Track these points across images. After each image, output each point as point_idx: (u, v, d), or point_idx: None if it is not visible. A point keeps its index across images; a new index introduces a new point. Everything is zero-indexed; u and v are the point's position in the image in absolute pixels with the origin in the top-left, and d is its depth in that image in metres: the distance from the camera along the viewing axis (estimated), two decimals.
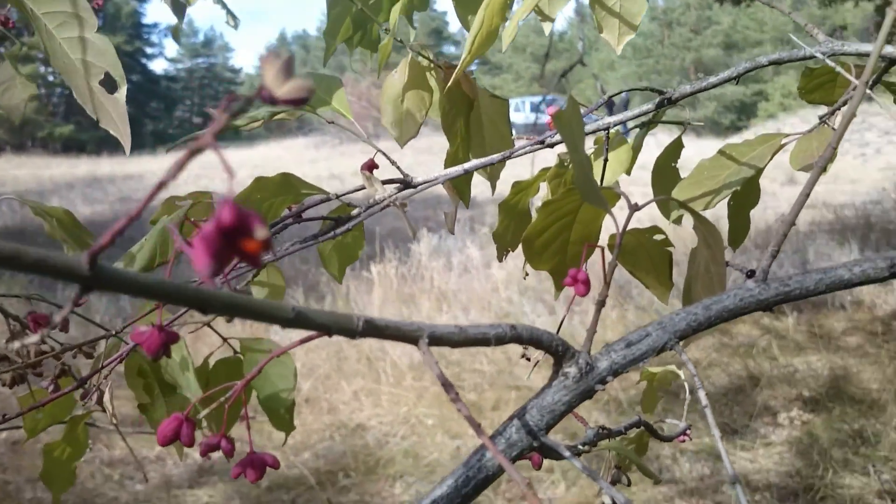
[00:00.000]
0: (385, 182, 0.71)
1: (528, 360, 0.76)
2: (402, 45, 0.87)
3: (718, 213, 0.69)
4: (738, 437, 3.31)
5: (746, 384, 3.87)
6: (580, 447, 0.51)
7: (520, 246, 0.80)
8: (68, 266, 0.28)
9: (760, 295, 0.46)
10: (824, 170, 0.47)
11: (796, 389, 3.78)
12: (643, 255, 0.60)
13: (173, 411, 0.80)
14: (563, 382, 0.45)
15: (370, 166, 0.73)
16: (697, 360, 4.12)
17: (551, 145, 0.72)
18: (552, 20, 0.79)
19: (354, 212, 0.71)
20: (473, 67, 1.05)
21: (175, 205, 0.70)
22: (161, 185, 0.26)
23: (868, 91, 0.54)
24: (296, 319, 0.35)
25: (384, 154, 0.72)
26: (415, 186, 0.74)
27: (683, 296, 0.58)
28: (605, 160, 0.73)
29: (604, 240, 0.57)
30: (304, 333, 0.38)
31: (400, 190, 0.72)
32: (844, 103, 0.74)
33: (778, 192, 9.71)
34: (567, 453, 0.42)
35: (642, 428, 0.79)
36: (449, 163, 0.89)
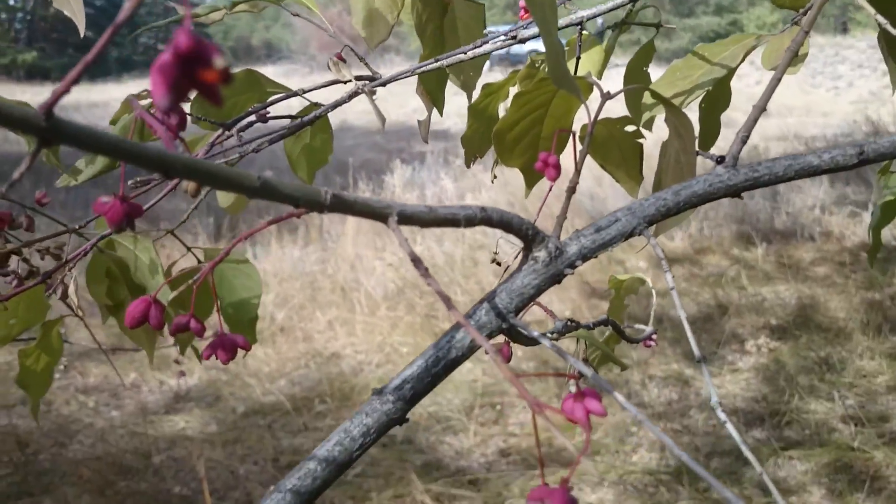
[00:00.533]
0: (356, 79, 0.70)
1: (500, 264, 0.76)
2: None
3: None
4: (706, 363, 3.38)
5: (715, 313, 3.94)
6: (549, 335, 0.51)
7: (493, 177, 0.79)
8: (25, 117, 0.27)
9: (730, 180, 0.46)
10: (796, 54, 0.47)
11: (764, 318, 3.85)
12: (614, 147, 0.59)
13: None
14: (533, 266, 0.46)
15: (339, 57, 0.71)
16: (666, 290, 4.17)
17: (524, 40, 0.71)
18: None
19: (321, 110, 0.70)
20: None
21: (135, 104, 0.68)
22: (124, 22, 0.25)
23: None
24: (262, 189, 0.34)
25: (351, 49, 0.71)
26: (384, 84, 0.73)
27: (653, 189, 0.58)
28: (578, 58, 0.72)
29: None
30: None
31: (374, 91, 0.71)
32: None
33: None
34: (535, 333, 0.43)
35: (610, 331, 0.81)
36: (424, 74, 0.88)
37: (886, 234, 4.80)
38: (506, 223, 0.44)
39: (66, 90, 0.27)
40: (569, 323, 0.55)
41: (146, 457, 2.72)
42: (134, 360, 3.41)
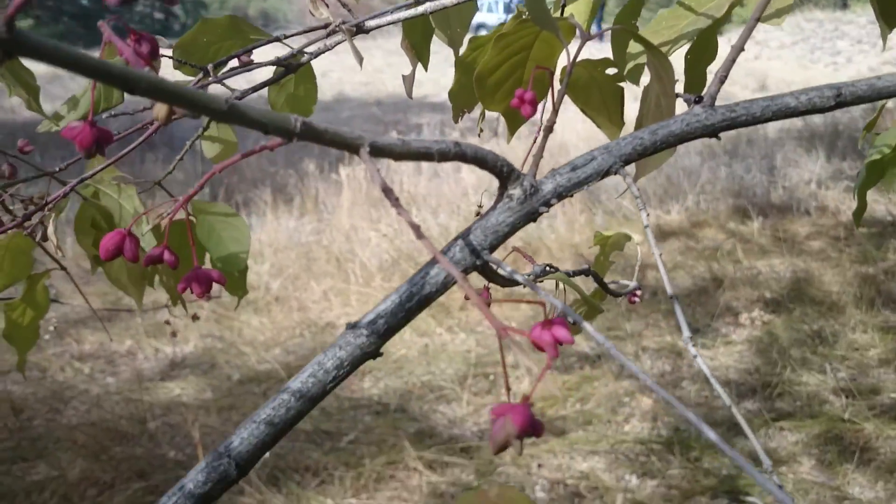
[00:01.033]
0: (339, 25, 0.69)
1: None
2: None
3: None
4: (700, 335, 3.40)
5: (710, 286, 3.95)
6: (526, 277, 0.52)
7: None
8: None
9: (707, 120, 0.46)
10: None
11: (758, 291, 3.86)
12: (594, 90, 0.59)
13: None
14: (508, 204, 0.46)
15: None
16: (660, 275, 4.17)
17: None
18: None
19: (305, 58, 0.69)
20: None
21: (104, 28, 0.68)
22: None
23: None
24: (229, 112, 0.34)
25: (341, 2, 0.70)
26: (367, 31, 0.72)
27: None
28: (563, 5, 0.72)
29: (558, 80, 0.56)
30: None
31: (352, 30, 0.71)
32: None
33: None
34: (508, 269, 0.43)
35: (595, 287, 0.81)
36: (409, 27, 0.87)
37: (881, 208, 4.80)
38: (480, 159, 0.44)
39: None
40: (547, 268, 0.55)
41: (141, 423, 2.73)
42: (129, 327, 3.42)
